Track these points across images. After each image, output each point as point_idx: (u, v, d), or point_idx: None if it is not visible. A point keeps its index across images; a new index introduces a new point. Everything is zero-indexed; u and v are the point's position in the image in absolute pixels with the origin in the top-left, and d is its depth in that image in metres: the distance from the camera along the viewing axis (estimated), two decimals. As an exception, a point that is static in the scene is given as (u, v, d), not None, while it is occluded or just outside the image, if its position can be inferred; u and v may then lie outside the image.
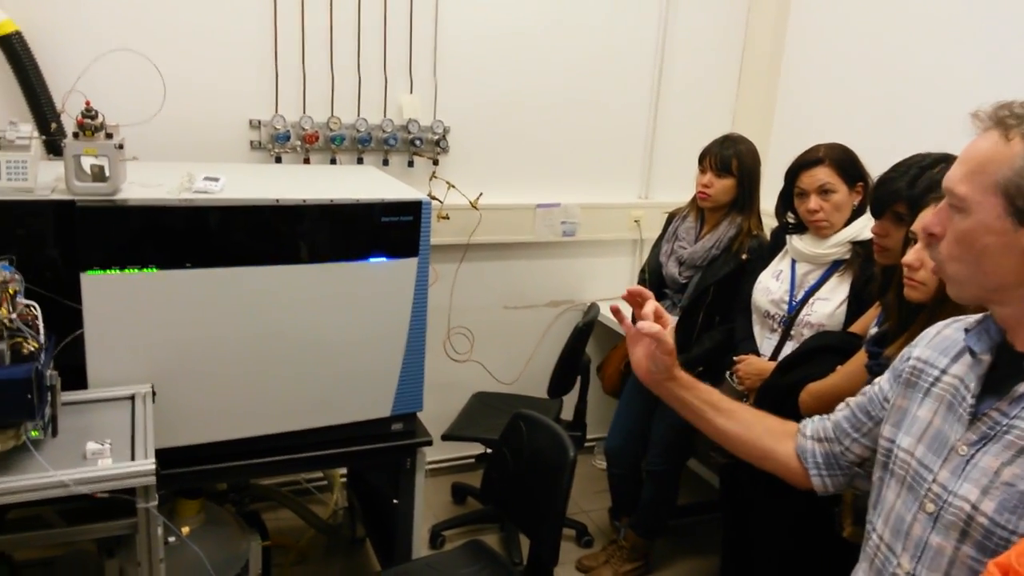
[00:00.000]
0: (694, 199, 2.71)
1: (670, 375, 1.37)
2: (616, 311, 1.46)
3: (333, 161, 2.90)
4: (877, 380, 1.30)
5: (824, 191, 2.23)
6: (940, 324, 1.23)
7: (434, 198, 2.91)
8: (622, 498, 3.00)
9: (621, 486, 2.98)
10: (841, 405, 1.36)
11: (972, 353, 1.10)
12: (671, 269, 2.72)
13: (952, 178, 1.04)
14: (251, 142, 2.79)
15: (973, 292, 1.07)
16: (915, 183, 1.81)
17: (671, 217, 2.85)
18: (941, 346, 1.19)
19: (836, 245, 2.24)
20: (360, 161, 2.95)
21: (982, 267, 1.02)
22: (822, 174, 2.23)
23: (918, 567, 1.10)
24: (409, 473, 2.34)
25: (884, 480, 1.20)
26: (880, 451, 1.23)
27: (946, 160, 1.73)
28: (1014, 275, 1.00)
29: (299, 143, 2.82)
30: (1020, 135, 0.97)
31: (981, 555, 1.02)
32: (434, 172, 3.07)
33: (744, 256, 2.56)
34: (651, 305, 1.37)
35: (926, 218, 1.10)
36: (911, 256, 1.58)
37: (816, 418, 1.39)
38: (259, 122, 2.78)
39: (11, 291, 1.59)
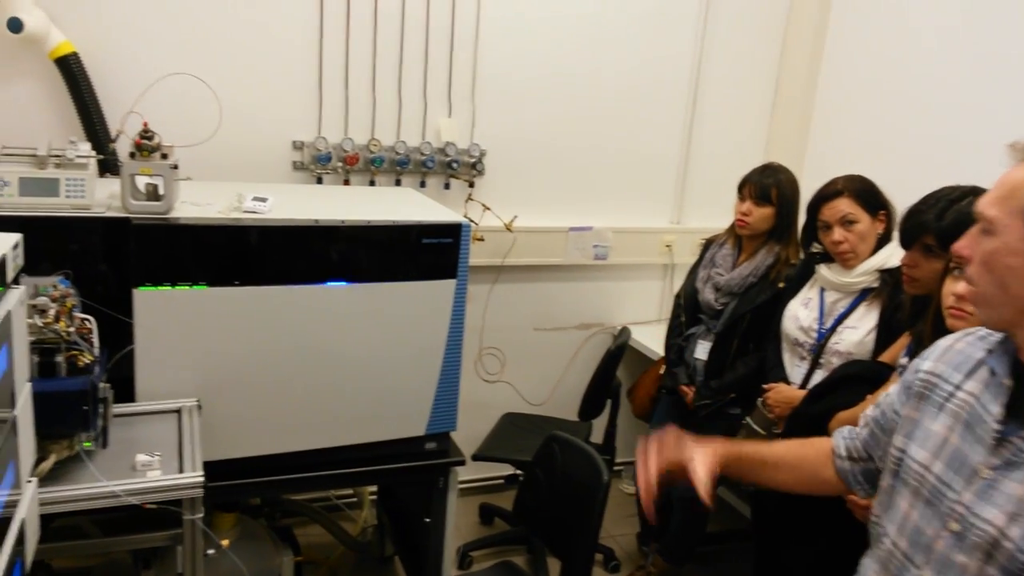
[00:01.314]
0: (732, 226, 2.72)
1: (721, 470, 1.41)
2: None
3: (372, 183, 2.96)
4: (888, 393, 1.34)
5: (847, 222, 2.25)
6: (952, 337, 1.27)
7: (470, 220, 2.94)
8: (650, 523, 2.99)
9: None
10: (862, 423, 1.40)
11: (993, 373, 1.13)
12: (707, 295, 2.73)
13: (984, 202, 1.09)
14: (294, 162, 2.86)
15: (1000, 314, 1.10)
16: (943, 215, 1.83)
17: (708, 243, 2.86)
18: (955, 361, 1.22)
19: (864, 274, 2.25)
20: (398, 183, 3.00)
21: (1007, 288, 1.05)
22: (843, 205, 2.25)
23: None
24: (441, 492, 2.37)
25: (895, 488, 1.24)
26: (891, 459, 1.27)
27: (975, 193, 1.75)
28: None
29: (340, 164, 2.88)
30: None
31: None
32: (470, 194, 3.11)
33: (781, 285, 2.56)
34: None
35: (961, 239, 1.14)
36: (962, 287, 1.58)
37: (847, 435, 1.42)
38: (302, 143, 2.85)
39: (68, 305, 1.64)
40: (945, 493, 1.15)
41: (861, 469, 1.38)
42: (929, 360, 1.26)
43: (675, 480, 1.41)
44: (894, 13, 3.09)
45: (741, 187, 2.65)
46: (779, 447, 1.48)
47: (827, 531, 1.91)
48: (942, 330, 1.67)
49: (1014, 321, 1.09)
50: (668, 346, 2.89)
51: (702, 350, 2.72)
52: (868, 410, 1.38)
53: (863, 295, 2.27)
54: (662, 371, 2.98)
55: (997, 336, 1.16)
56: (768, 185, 2.59)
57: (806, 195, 2.49)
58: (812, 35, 3.38)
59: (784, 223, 2.60)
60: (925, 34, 2.96)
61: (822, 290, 2.37)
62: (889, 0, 3.11)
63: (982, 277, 1.09)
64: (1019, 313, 1.07)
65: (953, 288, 1.62)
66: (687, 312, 2.80)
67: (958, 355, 1.22)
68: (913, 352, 1.89)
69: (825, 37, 3.38)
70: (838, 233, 2.26)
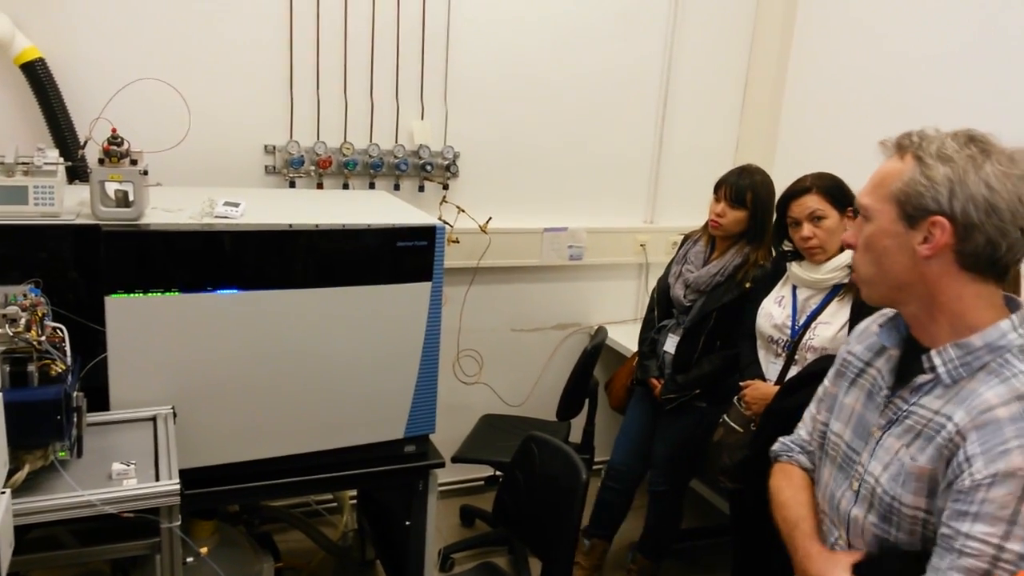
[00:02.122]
0: (707, 224, 2.75)
1: None
2: None
3: (346, 186, 2.95)
4: (826, 378, 1.45)
5: (815, 218, 2.29)
6: (868, 320, 1.38)
7: (444, 222, 2.94)
8: (604, 515, 2.99)
9: (614, 502, 2.98)
10: (807, 416, 1.49)
11: (884, 347, 1.28)
12: (677, 291, 2.76)
13: (861, 193, 1.23)
14: (266, 167, 2.84)
15: (881, 292, 1.22)
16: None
17: (685, 239, 2.89)
18: (867, 341, 1.34)
19: (834, 270, 2.29)
20: (372, 186, 3.00)
21: (883, 267, 1.18)
22: (811, 202, 2.30)
23: (850, 538, 1.28)
24: (421, 495, 2.36)
25: (822, 460, 1.37)
26: (817, 434, 1.40)
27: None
28: (909, 273, 1.15)
29: (313, 168, 2.87)
30: (912, 154, 1.16)
31: (881, 523, 1.20)
32: (444, 197, 3.12)
33: (748, 285, 2.59)
34: None
35: (848, 231, 1.27)
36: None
37: (792, 447, 1.49)
38: (274, 147, 2.83)
39: (39, 314, 1.62)
40: (852, 457, 1.28)
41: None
42: (851, 341, 1.38)
43: None
44: (858, 14, 3.14)
45: (717, 188, 2.68)
46: (802, 509, 1.41)
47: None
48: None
49: (893, 297, 1.21)
50: (641, 339, 2.92)
51: (671, 343, 2.76)
52: (812, 404, 1.48)
53: (835, 291, 2.31)
54: (636, 364, 3.01)
55: (893, 314, 1.29)
56: (744, 188, 2.62)
57: (776, 193, 2.53)
58: (779, 35, 3.43)
59: (758, 227, 2.63)
60: (889, 33, 3.01)
61: (794, 287, 2.41)
62: (853, 1, 3.17)
63: (862, 259, 1.21)
64: (894, 290, 1.19)
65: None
66: (660, 306, 2.84)
67: (869, 336, 1.34)
68: None
69: (792, 37, 3.43)
70: (807, 229, 2.30)
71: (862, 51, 3.12)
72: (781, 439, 1.53)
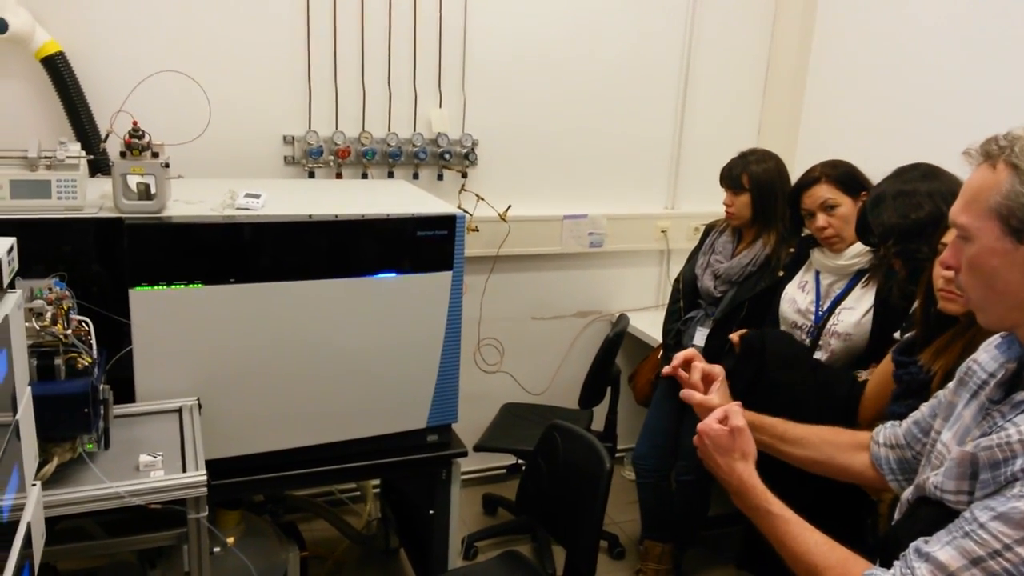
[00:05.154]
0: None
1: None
2: (683, 379, 1.51)
3: (364, 175, 2.94)
4: (948, 384, 1.34)
5: (828, 207, 2.28)
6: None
7: (463, 210, 2.94)
8: (651, 512, 2.99)
9: (650, 498, 2.97)
10: (916, 412, 1.42)
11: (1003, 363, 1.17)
12: (706, 282, 2.73)
13: (954, 211, 1.11)
14: (285, 157, 2.84)
15: (997, 315, 1.12)
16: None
17: (708, 229, 2.86)
18: (994, 352, 1.23)
19: (855, 256, 2.27)
20: (391, 175, 2.99)
21: (995, 288, 1.08)
22: (822, 191, 2.28)
23: None
24: (445, 484, 2.37)
25: (923, 467, 1.28)
26: (928, 441, 1.30)
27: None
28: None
29: (332, 158, 2.86)
30: (1004, 162, 1.04)
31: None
32: (463, 185, 3.10)
33: (780, 273, 2.56)
34: (696, 372, 1.48)
35: (945, 251, 1.16)
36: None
37: (888, 425, 1.46)
38: (293, 138, 2.83)
39: (65, 307, 1.63)
40: None
41: (896, 457, 1.41)
42: (980, 350, 1.27)
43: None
44: (883, -8, 3.08)
45: (720, 180, 2.68)
46: (800, 427, 1.50)
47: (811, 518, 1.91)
48: (931, 310, 1.69)
49: (1010, 319, 1.11)
50: (666, 331, 2.89)
51: (700, 336, 2.73)
52: (925, 404, 1.41)
53: (858, 276, 2.28)
54: (660, 356, 2.99)
55: None
56: (737, 174, 2.62)
57: (792, 175, 2.49)
58: (802, 16, 3.37)
59: (764, 206, 2.61)
60: (916, 14, 2.95)
61: (817, 273, 2.38)
62: (878, -21, 3.11)
63: (970, 282, 1.11)
64: (1011, 311, 1.09)
65: (942, 271, 1.63)
66: (685, 297, 2.81)
67: (992, 348, 1.24)
68: (904, 330, 1.91)
69: (815, 18, 3.37)
70: (821, 219, 2.29)
71: (887, 32, 3.06)
72: (881, 427, 1.47)
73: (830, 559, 1.15)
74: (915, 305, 1.81)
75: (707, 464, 1.34)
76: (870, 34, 3.14)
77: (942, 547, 1.03)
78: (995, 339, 1.25)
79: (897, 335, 1.95)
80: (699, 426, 1.33)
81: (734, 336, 2.40)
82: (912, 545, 1.08)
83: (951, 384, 1.33)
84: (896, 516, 1.29)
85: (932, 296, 1.69)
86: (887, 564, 1.10)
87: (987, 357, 1.23)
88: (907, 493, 1.27)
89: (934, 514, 1.13)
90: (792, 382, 2.17)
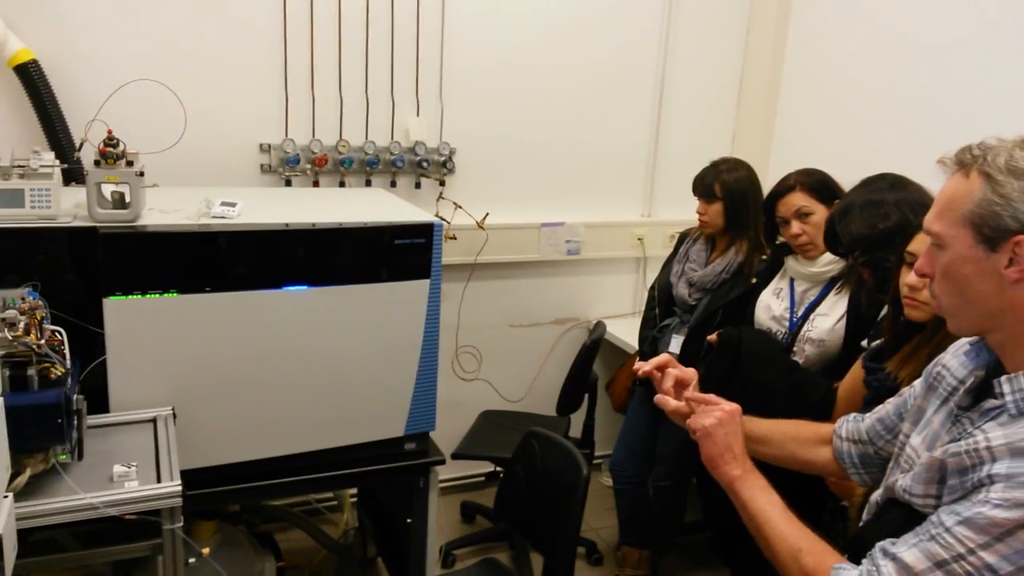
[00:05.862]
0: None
1: None
2: (656, 381, 1.54)
3: (342, 184, 2.94)
4: (914, 383, 1.37)
5: (802, 215, 2.31)
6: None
7: (441, 218, 2.95)
8: (629, 519, 3.00)
9: (627, 504, 2.99)
10: (879, 407, 1.44)
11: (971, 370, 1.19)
12: (681, 290, 2.76)
13: (928, 219, 1.13)
14: (261, 165, 2.84)
15: (968, 322, 1.13)
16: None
17: (683, 237, 2.89)
18: (963, 359, 1.25)
19: (829, 263, 2.30)
20: (368, 183, 2.99)
21: (967, 296, 1.09)
22: (796, 199, 2.32)
23: None
24: (422, 492, 2.37)
25: (892, 470, 1.30)
26: (897, 444, 1.32)
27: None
28: (995, 299, 1.07)
29: (309, 166, 2.86)
30: (977, 171, 1.06)
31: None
32: (441, 193, 3.11)
33: (753, 280, 2.60)
34: (669, 380, 1.51)
35: (920, 259, 1.18)
36: (913, 278, 1.62)
37: (851, 418, 1.49)
38: (269, 146, 2.83)
39: (38, 317, 1.62)
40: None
41: (858, 452, 1.44)
42: (948, 354, 1.29)
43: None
44: (856, 2, 3.14)
45: (692, 188, 2.72)
46: (765, 424, 1.53)
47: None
48: (899, 318, 1.72)
49: (983, 326, 1.13)
50: (642, 338, 2.92)
51: (676, 344, 2.75)
52: (890, 400, 1.43)
53: (832, 283, 2.31)
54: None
55: None
56: (710, 182, 2.66)
57: (764, 184, 2.53)
58: (775, 26, 3.43)
59: (736, 214, 2.65)
60: (889, 25, 3.01)
61: (792, 280, 2.42)
62: (849, -9, 3.17)
63: (943, 289, 1.13)
64: (981, 318, 1.11)
65: (906, 279, 1.66)
66: (661, 305, 2.84)
67: (961, 354, 1.25)
68: (873, 337, 1.95)
69: (788, 28, 3.43)
70: (795, 227, 2.32)
71: (859, 42, 3.12)
72: (846, 418, 1.50)
73: (816, 546, 1.20)
74: (883, 313, 1.84)
75: (717, 455, 1.41)
76: (843, 44, 3.19)
77: (908, 548, 1.06)
78: (964, 345, 1.27)
79: (865, 343, 1.98)
80: (707, 424, 1.42)
81: (712, 336, 2.42)
82: (879, 545, 1.10)
83: (917, 384, 1.35)
84: (864, 517, 1.32)
85: (900, 304, 1.73)
86: (856, 563, 1.12)
87: (956, 364, 1.25)
88: (876, 495, 1.30)
89: (902, 516, 1.16)
90: (767, 381, 2.19)
